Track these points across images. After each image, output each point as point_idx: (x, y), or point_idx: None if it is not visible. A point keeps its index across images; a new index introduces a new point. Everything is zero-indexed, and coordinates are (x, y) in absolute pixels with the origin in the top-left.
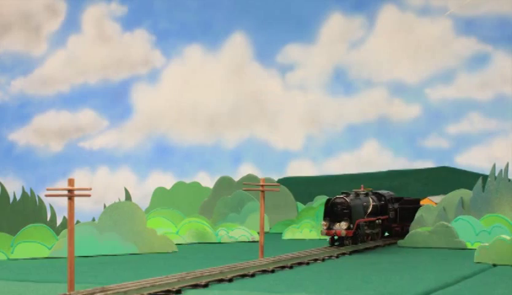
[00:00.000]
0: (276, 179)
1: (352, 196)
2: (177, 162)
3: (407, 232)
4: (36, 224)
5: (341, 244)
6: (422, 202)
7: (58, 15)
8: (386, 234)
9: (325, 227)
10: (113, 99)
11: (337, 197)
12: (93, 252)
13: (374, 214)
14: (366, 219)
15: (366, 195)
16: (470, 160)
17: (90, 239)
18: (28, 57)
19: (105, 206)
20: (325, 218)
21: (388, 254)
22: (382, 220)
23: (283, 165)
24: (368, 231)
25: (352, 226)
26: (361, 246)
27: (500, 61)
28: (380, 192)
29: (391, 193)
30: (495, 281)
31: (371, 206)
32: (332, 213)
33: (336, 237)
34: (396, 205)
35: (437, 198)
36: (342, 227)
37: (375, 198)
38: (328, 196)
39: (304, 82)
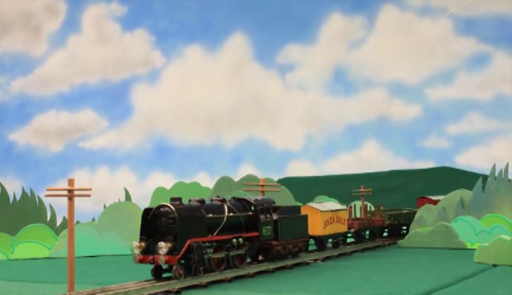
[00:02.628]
0: (276, 179)
1: (187, 204)
2: (177, 162)
3: (298, 252)
4: (36, 224)
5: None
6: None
7: (58, 15)
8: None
9: (138, 250)
10: (114, 98)
11: (161, 205)
12: (93, 252)
13: (232, 229)
14: (211, 237)
15: (222, 202)
16: (470, 160)
17: (90, 240)
18: (28, 57)
19: (105, 206)
20: (141, 236)
21: (388, 254)
22: (248, 238)
23: (283, 165)
24: (214, 256)
25: (178, 248)
26: (360, 247)
27: (500, 61)
28: (248, 198)
29: (268, 199)
30: (495, 281)
31: (224, 218)
32: (154, 229)
33: (163, 265)
34: (275, 216)
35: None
36: (161, 250)
37: (236, 207)
38: (328, 196)
39: (304, 82)
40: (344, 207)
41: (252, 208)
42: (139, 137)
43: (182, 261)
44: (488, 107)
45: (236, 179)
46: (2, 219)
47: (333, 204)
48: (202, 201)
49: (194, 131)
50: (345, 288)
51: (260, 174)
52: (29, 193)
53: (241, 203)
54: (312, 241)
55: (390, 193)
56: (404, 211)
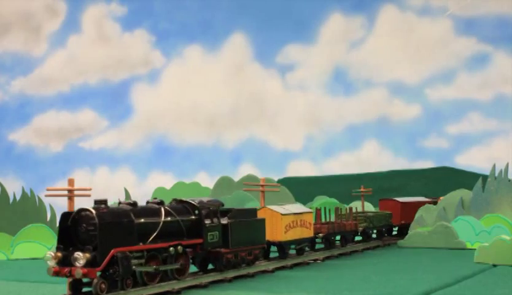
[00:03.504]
0: (276, 179)
1: (114, 207)
2: (177, 162)
3: (254, 260)
4: (36, 224)
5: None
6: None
7: (58, 15)
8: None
9: (53, 262)
10: (114, 98)
11: (81, 209)
12: None
13: (171, 236)
14: (143, 245)
15: (159, 204)
16: (470, 160)
17: None
18: (28, 57)
19: None
20: (57, 245)
21: (388, 254)
22: (190, 246)
23: (283, 165)
24: (142, 269)
25: (99, 260)
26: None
27: (500, 61)
28: (192, 200)
29: (215, 201)
30: (495, 281)
31: (160, 223)
32: (74, 237)
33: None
34: (225, 220)
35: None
36: (78, 261)
37: (177, 211)
38: (328, 196)
39: (304, 82)
40: (309, 210)
41: (196, 211)
42: (139, 137)
43: (107, 273)
44: (488, 107)
45: (236, 179)
46: (2, 219)
47: (297, 207)
48: (134, 204)
49: (194, 131)
50: (345, 288)
51: (260, 174)
52: (29, 193)
53: (183, 206)
54: (275, 248)
55: (390, 193)
56: (382, 213)
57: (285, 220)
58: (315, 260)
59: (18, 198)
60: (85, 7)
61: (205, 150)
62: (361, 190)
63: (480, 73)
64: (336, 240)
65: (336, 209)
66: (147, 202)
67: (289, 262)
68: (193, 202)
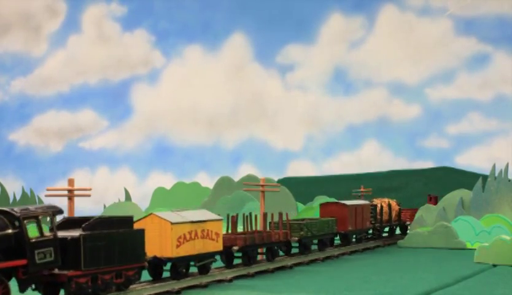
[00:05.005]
0: (276, 179)
1: None
2: (177, 162)
3: (128, 283)
4: None
5: None
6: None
7: (58, 15)
8: None
9: None
10: (114, 98)
11: None
12: None
13: None
14: None
15: None
16: (470, 160)
17: None
18: (28, 57)
19: (105, 206)
20: None
21: (388, 254)
22: (7, 270)
23: (283, 165)
24: None
25: None
26: (360, 246)
27: (500, 61)
28: (11, 209)
29: (47, 207)
30: (495, 281)
31: None
32: None
33: None
34: (76, 232)
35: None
36: None
37: None
38: (328, 196)
39: (304, 82)
40: (217, 217)
41: (16, 222)
42: (139, 138)
43: None
44: (488, 107)
45: (236, 179)
46: None
47: (200, 213)
48: None
49: (194, 132)
50: (345, 288)
51: (260, 174)
52: (29, 193)
53: None
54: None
55: (390, 193)
56: (324, 220)
57: (177, 231)
58: (315, 260)
59: (18, 198)
60: (85, 7)
61: (205, 150)
62: (361, 190)
63: (480, 73)
64: (258, 254)
65: (264, 215)
66: None
67: (289, 263)
68: (12, 211)
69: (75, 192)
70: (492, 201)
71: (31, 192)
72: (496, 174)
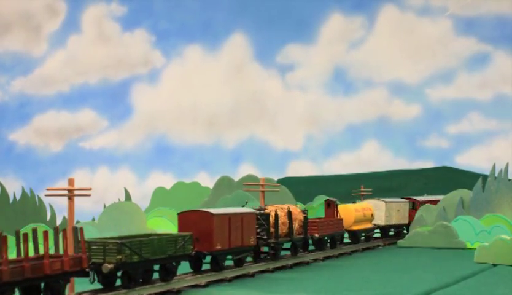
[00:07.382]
0: (276, 179)
1: None
2: (177, 162)
3: None
4: (36, 223)
5: None
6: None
7: (58, 15)
8: None
9: None
10: (114, 98)
11: None
12: None
13: None
14: None
15: None
16: (470, 160)
17: None
18: (28, 57)
19: (105, 206)
20: None
21: (388, 254)
22: None
23: (283, 165)
24: None
25: None
26: (360, 247)
27: (500, 61)
28: None
29: None
30: (495, 281)
31: None
32: None
33: None
34: None
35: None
36: None
37: None
38: (328, 196)
39: (304, 82)
40: None
41: None
42: (139, 137)
43: None
44: (488, 107)
45: (236, 179)
46: (2, 219)
47: None
48: None
49: (194, 131)
50: (345, 288)
51: (260, 174)
52: (29, 193)
53: None
54: None
55: (390, 193)
56: (172, 236)
57: None
58: (315, 260)
59: (18, 198)
60: (84, 7)
61: (205, 150)
62: (361, 190)
63: (480, 73)
64: None
65: (74, 229)
66: None
67: (289, 262)
68: None
69: (75, 192)
70: (492, 201)
71: (31, 191)
72: (496, 174)
